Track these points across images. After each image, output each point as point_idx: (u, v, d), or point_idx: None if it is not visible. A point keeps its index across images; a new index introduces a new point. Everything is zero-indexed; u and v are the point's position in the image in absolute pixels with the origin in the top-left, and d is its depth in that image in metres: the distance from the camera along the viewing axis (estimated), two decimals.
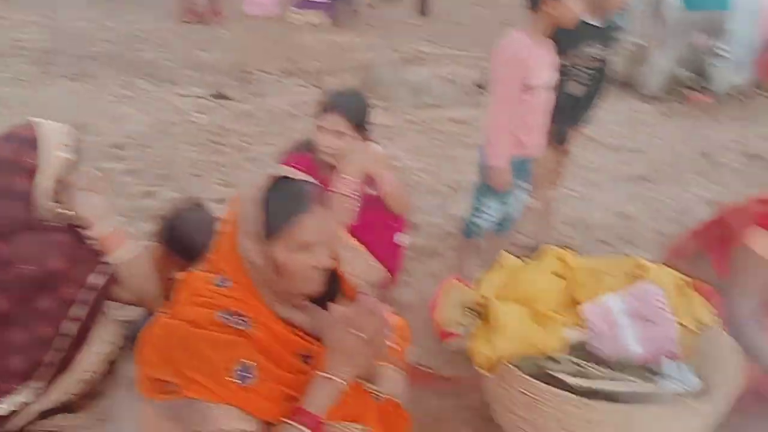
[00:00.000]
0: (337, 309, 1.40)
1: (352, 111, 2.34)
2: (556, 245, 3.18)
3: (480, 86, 6.50)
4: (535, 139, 2.66)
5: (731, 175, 4.49)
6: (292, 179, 1.44)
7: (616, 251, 3.19)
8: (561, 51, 2.65)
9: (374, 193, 2.42)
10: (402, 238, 2.55)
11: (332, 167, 2.38)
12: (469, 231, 2.85)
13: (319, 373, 1.37)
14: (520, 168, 2.71)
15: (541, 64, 2.50)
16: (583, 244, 3.36)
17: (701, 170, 4.62)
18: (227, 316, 1.36)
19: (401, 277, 2.87)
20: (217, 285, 1.41)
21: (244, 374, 1.33)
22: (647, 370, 2.04)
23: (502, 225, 2.89)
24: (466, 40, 9.07)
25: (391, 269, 2.68)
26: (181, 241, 2.18)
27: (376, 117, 5.33)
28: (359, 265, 1.60)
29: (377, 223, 2.46)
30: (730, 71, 6.48)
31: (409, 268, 3.02)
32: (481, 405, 2.15)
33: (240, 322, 1.37)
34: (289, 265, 1.40)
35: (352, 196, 2.30)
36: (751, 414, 2.20)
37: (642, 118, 5.69)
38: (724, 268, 2.28)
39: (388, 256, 2.57)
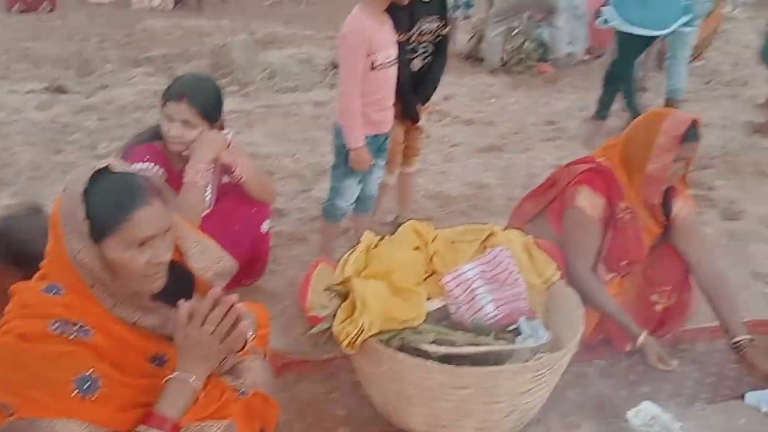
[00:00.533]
0: (184, 305, 1.35)
1: (200, 99, 2.26)
2: (418, 219, 3.30)
3: (336, 66, 6.52)
4: (386, 116, 2.72)
5: (575, 140, 4.82)
6: (119, 171, 1.35)
7: (474, 220, 3.33)
8: (400, 28, 2.72)
9: (233, 181, 2.36)
10: (266, 225, 2.52)
11: (183, 157, 2.30)
12: (330, 213, 2.87)
13: (172, 375, 1.32)
14: (376, 146, 2.76)
15: (383, 42, 2.55)
16: (443, 216, 3.48)
17: (548, 137, 4.93)
18: (62, 326, 1.27)
19: (269, 265, 2.84)
20: (48, 293, 1.31)
21: (87, 385, 1.26)
22: (504, 330, 2.18)
23: (362, 204, 2.93)
24: (321, 19, 9.04)
25: (259, 257, 2.64)
26: (15, 250, 2.00)
27: (234, 103, 5.22)
28: (208, 258, 1.55)
29: (241, 212, 2.41)
30: (565, 42, 6.96)
31: (276, 255, 2.99)
32: (353, 384, 2.18)
33: (77, 330, 1.28)
34: (124, 263, 1.31)
35: (204, 184, 2.23)
36: (597, 360, 2.42)
37: (491, 91, 5.96)
38: (560, 226, 2.47)
39: (255, 244, 2.53)
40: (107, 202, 1.30)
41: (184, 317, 1.33)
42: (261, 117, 5.07)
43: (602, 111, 4.76)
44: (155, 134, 2.33)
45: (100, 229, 1.29)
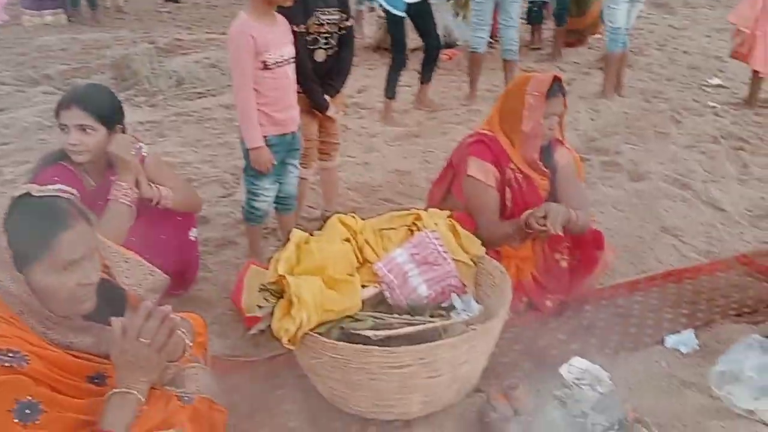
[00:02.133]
0: (116, 321, 1.35)
1: (92, 102, 2.24)
2: (344, 211, 3.34)
3: None
4: (289, 115, 2.72)
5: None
6: (39, 195, 1.33)
7: (400, 207, 3.40)
8: (296, 20, 2.74)
9: (153, 194, 2.34)
10: (195, 233, 2.51)
11: (96, 170, 2.27)
12: (250, 216, 2.87)
13: (112, 391, 1.32)
14: (284, 145, 2.76)
15: (273, 41, 2.56)
16: (369, 206, 3.54)
17: (462, 119, 5.06)
18: None
19: (200, 272, 2.82)
20: None
21: (28, 412, 1.24)
22: (439, 307, 2.26)
23: (284, 204, 2.95)
24: (223, 22, 8.88)
25: (189, 266, 2.62)
26: None
27: (143, 114, 5.09)
28: (137, 275, 1.54)
29: (166, 222, 2.38)
30: (466, 29, 7.16)
31: (206, 262, 2.97)
32: (298, 379, 2.21)
33: (11, 359, 1.26)
34: (52, 288, 1.31)
35: (128, 202, 2.21)
36: (526, 324, 2.55)
37: (403, 80, 6.03)
38: (464, 197, 2.63)
39: (184, 252, 2.51)
40: (29, 229, 1.28)
41: (117, 333, 1.33)
42: (173, 126, 4.97)
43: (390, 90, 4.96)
44: (63, 155, 2.27)
45: (23, 256, 1.28)
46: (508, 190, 2.59)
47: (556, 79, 2.52)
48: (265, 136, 2.66)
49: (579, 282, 2.63)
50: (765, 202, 3.76)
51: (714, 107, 5.51)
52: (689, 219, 3.53)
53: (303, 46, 2.80)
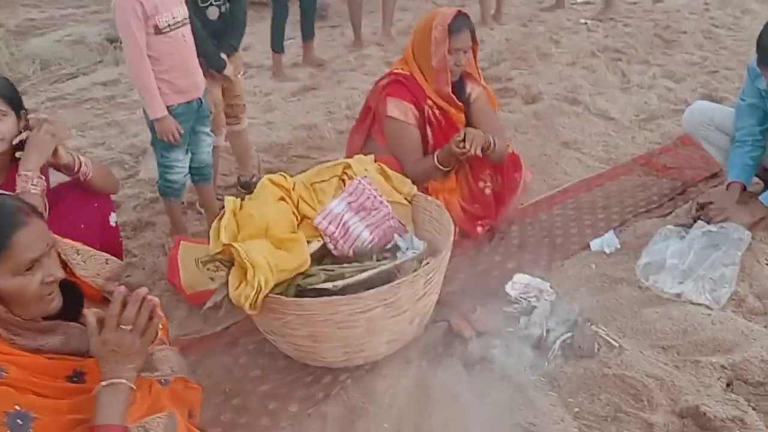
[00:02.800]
0: (90, 313, 1.29)
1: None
2: (260, 174, 3.28)
3: (112, 41, 6.03)
4: (192, 80, 2.60)
5: (378, 67, 4.98)
6: None
7: (315, 161, 3.38)
8: None
9: (76, 178, 2.19)
10: (114, 218, 2.37)
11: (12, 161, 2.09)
12: (166, 191, 2.75)
13: (101, 383, 1.27)
14: (192, 112, 2.64)
15: (162, 3, 2.42)
16: (284, 165, 3.48)
17: (352, 66, 5.03)
18: None
19: (125, 258, 2.69)
20: None
21: (18, 422, 1.18)
22: (383, 250, 2.30)
23: (200, 174, 2.84)
24: None
25: (113, 253, 2.48)
26: None
27: None
28: (93, 265, 1.47)
29: (84, 210, 2.24)
30: None
31: (127, 247, 2.83)
32: (257, 345, 2.20)
33: None
34: (17, 290, 1.25)
35: (38, 191, 2.05)
36: (462, 253, 2.65)
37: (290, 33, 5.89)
38: (385, 139, 2.67)
39: (106, 239, 2.37)
40: None
41: (93, 325, 1.28)
42: (50, 112, 4.59)
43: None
44: None
45: None
46: (428, 127, 2.63)
47: (460, 14, 2.56)
48: (170, 106, 2.53)
49: (504, 205, 2.75)
50: (648, 106, 4.06)
51: (585, 23, 5.81)
52: (585, 131, 3.76)
53: (193, 3, 2.65)
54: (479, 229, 2.72)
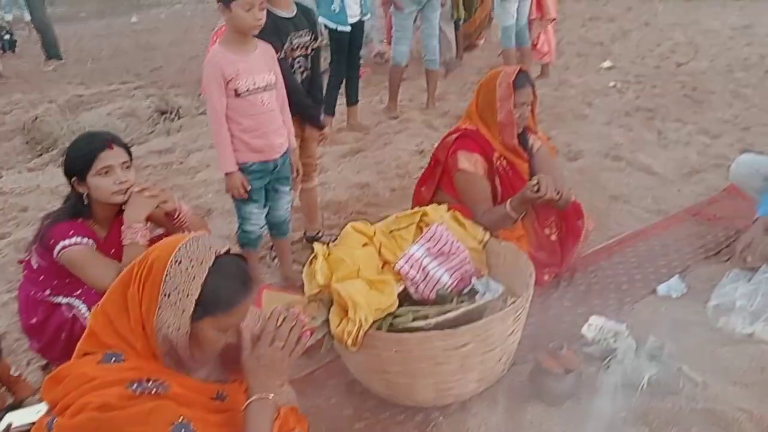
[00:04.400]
0: (246, 330, 1.41)
1: (118, 140, 2.26)
2: (324, 231, 3.41)
3: (162, 112, 6.34)
4: (269, 141, 2.72)
5: (420, 129, 5.18)
6: (237, 256, 1.40)
7: (373, 217, 3.50)
8: (276, 48, 2.79)
9: (178, 224, 2.33)
10: None
11: (105, 220, 2.24)
12: (243, 240, 2.88)
13: (253, 397, 1.36)
14: (268, 171, 2.76)
15: (245, 69, 2.59)
16: (345, 222, 3.57)
17: (398, 129, 5.24)
18: (140, 385, 1.27)
19: None
20: (108, 363, 1.29)
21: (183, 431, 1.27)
22: (461, 293, 2.39)
23: (277, 229, 2.97)
24: (117, 72, 8.69)
25: None
26: None
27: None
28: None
29: None
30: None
31: None
32: (345, 387, 2.26)
33: (156, 386, 1.29)
34: (208, 342, 1.38)
35: (145, 243, 2.19)
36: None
37: None
38: (455, 192, 2.82)
39: None
40: (220, 288, 1.34)
41: (248, 341, 1.39)
42: None
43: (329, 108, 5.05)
44: (73, 212, 2.23)
45: (207, 309, 1.33)
46: (496, 177, 2.77)
47: (522, 71, 2.75)
48: (244, 163, 2.69)
49: (569, 252, 2.85)
50: (689, 161, 4.20)
51: (614, 85, 6.03)
52: (630, 186, 3.88)
53: (286, 69, 2.85)
54: (546, 276, 2.80)
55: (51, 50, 9.84)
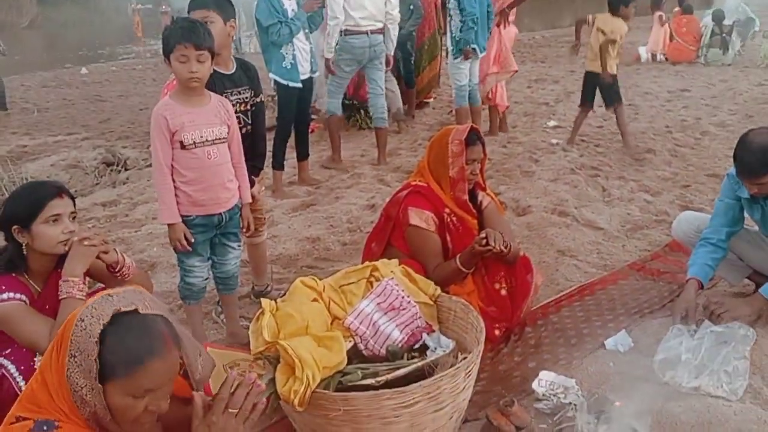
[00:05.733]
0: (200, 395, 1.33)
1: (65, 190, 2.18)
2: (272, 285, 3.35)
3: (108, 164, 6.22)
4: (213, 195, 2.66)
5: (372, 184, 5.21)
6: (143, 315, 1.30)
7: (323, 272, 3.47)
8: None
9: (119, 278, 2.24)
10: None
11: (41, 275, 2.14)
12: (185, 294, 2.80)
13: None
14: (212, 225, 2.71)
15: (191, 122, 2.57)
16: (294, 276, 3.52)
17: (348, 184, 5.26)
18: None
19: None
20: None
21: None
22: (412, 349, 2.36)
23: (225, 284, 2.90)
24: (64, 123, 8.53)
25: None
26: None
27: None
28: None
29: None
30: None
31: None
32: None
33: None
34: (121, 409, 1.29)
35: (82, 296, 2.09)
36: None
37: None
38: (407, 247, 2.83)
39: None
40: (122, 349, 1.26)
41: (200, 407, 1.31)
42: None
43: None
44: (7, 265, 2.13)
45: (110, 371, 1.25)
46: (447, 233, 2.79)
47: (473, 129, 2.82)
48: (186, 216, 2.63)
49: (518, 307, 2.86)
50: (632, 217, 4.33)
51: (558, 144, 6.23)
52: (577, 240, 3.95)
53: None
54: (497, 331, 2.80)
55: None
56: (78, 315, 1.28)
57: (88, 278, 2.24)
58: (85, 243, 2.12)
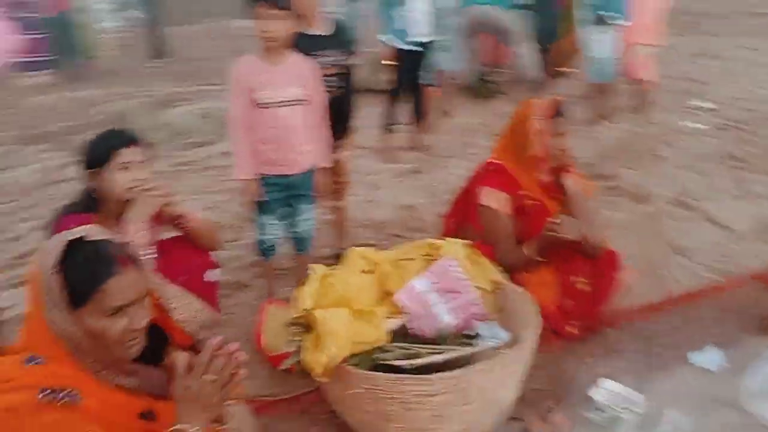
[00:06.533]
0: (180, 357, 1.35)
1: (140, 141, 2.27)
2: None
3: None
4: (288, 156, 2.68)
5: (484, 153, 5.02)
6: (92, 240, 1.34)
7: (411, 240, 3.40)
8: None
9: (172, 235, 2.33)
10: (212, 275, 2.48)
11: (112, 217, 2.26)
12: (260, 250, 2.88)
13: (174, 427, 1.30)
14: (284, 186, 2.73)
15: (268, 81, 2.57)
16: (379, 241, 3.53)
17: (459, 153, 5.12)
18: (51, 394, 1.24)
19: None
20: (29, 364, 1.27)
21: None
22: (464, 336, 2.24)
23: (298, 244, 2.94)
24: (213, 73, 9.01)
25: (212, 308, 2.59)
26: None
27: None
28: (189, 311, 1.55)
29: (185, 264, 2.36)
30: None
31: (223, 304, 2.93)
32: (329, 415, 2.18)
33: (66, 396, 1.25)
34: (100, 331, 1.32)
35: (143, 242, 2.20)
36: (550, 350, 2.53)
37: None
38: (480, 226, 2.65)
39: (204, 294, 2.48)
40: (81, 273, 1.30)
41: (182, 369, 1.33)
42: (174, 176, 4.98)
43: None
44: (83, 206, 2.27)
45: (78, 299, 1.29)
46: (521, 217, 2.60)
47: (557, 102, 2.59)
48: (262, 173, 2.67)
49: (599, 305, 2.63)
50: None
51: (704, 128, 5.61)
52: (696, 238, 3.56)
53: None
54: (571, 328, 2.60)
55: (157, 50, 10.40)
56: (34, 260, 1.33)
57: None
58: (150, 193, 2.21)
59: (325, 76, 2.87)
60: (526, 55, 6.46)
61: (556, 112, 2.56)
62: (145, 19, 10.25)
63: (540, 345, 2.48)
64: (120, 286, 1.31)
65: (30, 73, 8.89)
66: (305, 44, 2.78)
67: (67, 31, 8.82)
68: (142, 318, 1.37)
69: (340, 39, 2.94)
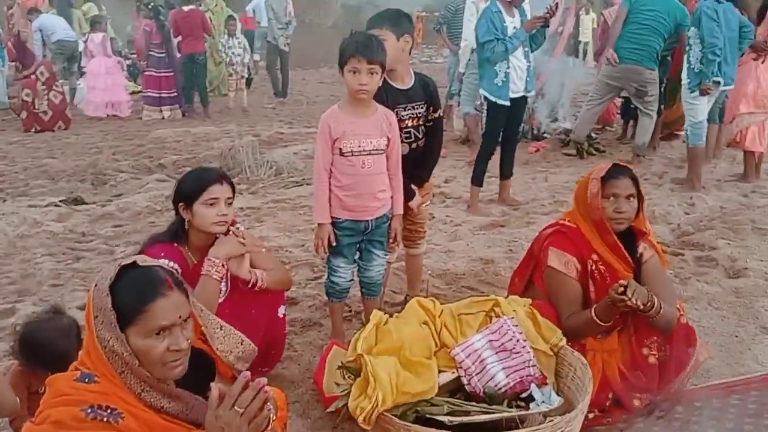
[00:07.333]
0: (215, 387, 1.45)
1: (228, 179, 2.51)
2: (425, 297, 3.38)
3: None
4: (364, 203, 2.79)
5: None
6: (140, 265, 1.50)
7: (483, 294, 3.41)
8: None
9: (251, 277, 2.48)
10: (281, 310, 2.62)
11: (200, 249, 2.44)
12: (328, 290, 2.98)
13: None
14: (359, 230, 2.83)
15: (354, 131, 2.70)
16: (452, 293, 3.56)
17: (548, 210, 5.07)
18: (94, 411, 1.37)
19: (286, 351, 2.91)
20: (81, 382, 1.42)
21: None
22: (517, 398, 2.23)
23: (368, 289, 3.02)
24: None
25: (276, 343, 2.72)
26: (39, 351, 2.12)
27: (244, 201, 5.41)
28: (229, 342, 1.66)
29: (257, 298, 2.51)
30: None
31: (291, 341, 3.06)
32: None
33: (109, 414, 1.38)
34: (145, 350, 1.45)
35: (218, 277, 2.36)
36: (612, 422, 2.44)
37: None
38: (545, 287, 2.64)
39: (272, 329, 2.62)
40: (129, 294, 1.45)
41: (215, 399, 1.43)
42: (270, 212, 5.25)
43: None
44: (172, 235, 2.48)
45: (124, 319, 1.44)
46: (590, 281, 2.56)
47: (615, 165, 2.60)
48: (335, 218, 2.80)
49: (669, 380, 2.51)
50: None
51: None
52: None
53: None
54: (636, 401, 2.48)
55: (277, 89, 11.08)
56: (93, 283, 1.49)
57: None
58: (238, 240, 2.39)
59: (406, 129, 2.99)
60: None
61: (614, 173, 2.54)
62: (269, 63, 10.97)
63: (601, 415, 2.43)
64: (164, 308, 1.45)
65: (157, 107, 9.69)
66: (390, 97, 2.92)
67: (198, 71, 9.60)
68: (184, 340, 1.49)
69: (425, 92, 3.05)
